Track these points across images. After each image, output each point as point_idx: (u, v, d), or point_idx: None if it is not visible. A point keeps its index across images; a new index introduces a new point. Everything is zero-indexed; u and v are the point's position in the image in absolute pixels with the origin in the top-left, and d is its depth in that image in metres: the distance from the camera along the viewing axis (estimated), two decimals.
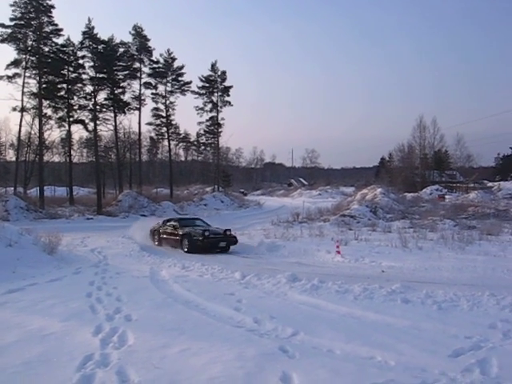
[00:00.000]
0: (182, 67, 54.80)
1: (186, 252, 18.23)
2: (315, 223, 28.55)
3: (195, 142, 71.71)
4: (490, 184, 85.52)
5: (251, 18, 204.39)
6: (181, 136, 65.26)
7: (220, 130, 60.33)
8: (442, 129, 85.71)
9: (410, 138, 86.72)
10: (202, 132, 62.59)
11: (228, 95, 59.58)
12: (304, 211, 34.28)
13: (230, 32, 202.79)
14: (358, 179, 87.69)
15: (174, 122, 57.56)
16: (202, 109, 59.41)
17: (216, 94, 59.29)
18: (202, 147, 67.29)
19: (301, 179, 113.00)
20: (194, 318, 7.55)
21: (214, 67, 59.10)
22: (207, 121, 60.39)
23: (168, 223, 20.89)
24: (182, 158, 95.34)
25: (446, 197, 61.60)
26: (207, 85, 58.95)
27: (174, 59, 54.44)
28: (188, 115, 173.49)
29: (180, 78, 54.98)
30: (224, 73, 59.16)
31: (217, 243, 18.66)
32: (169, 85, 54.74)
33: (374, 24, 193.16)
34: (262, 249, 18.42)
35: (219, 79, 59.10)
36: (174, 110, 56.05)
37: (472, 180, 79.95)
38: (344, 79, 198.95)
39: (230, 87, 59.60)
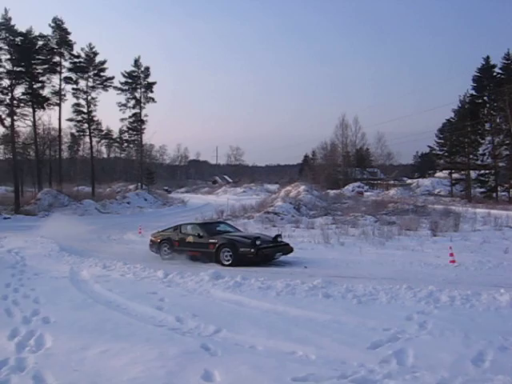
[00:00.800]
0: (104, 62, 53.53)
1: (224, 266, 14.31)
2: (239, 220, 28.70)
3: (118, 139, 70.57)
4: (409, 181, 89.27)
5: (172, 15, 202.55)
6: (103, 133, 64.02)
7: (143, 126, 59.69)
8: (363, 127, 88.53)
9: (332, 137, 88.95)
10: (124, 129, 61.89)
11: (151, 91, 58.99)
12: (228, 208, 34.44)
13: (151, 29, 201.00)
14: (283, 176, 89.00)
15: (95, 119, 56.48)
16: (124, 105, 58.61)
17: (139, 90, 58.61)
18: (125, 144, 66.31)
19: (225, 177, 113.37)
20: (115, 319, 7.43)
21: (137, 63, 58.26)
22: (130, 117, 59.60)
23: (184, 230, 16.63)
24: (105, 155, 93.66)
25: (368, 193, 63.73)
26: (130, 81, 58.06)
27: (95, 54, 53.05)
28: (110, 111, 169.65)
29: (102, 74, 53.71)
30: (147, 69, 58.51)
31: (273, 255, 14.84)
32: (90, 80, 53.36)
33: (301, 22, 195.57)
34: None
35: (142, 75, 58.38)
36: (95, 105, 54.55)
37: (392, 177, 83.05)
38: (268, 78, 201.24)
39: (154, 83, 58.97)
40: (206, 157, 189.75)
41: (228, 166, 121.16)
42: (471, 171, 65.95)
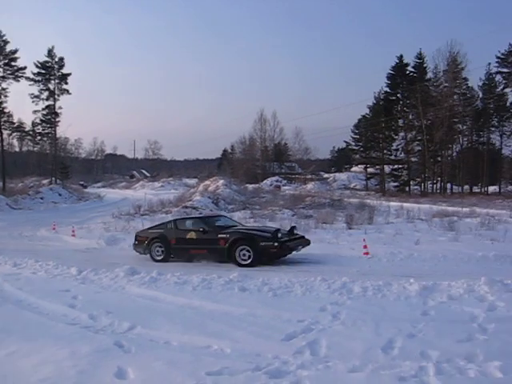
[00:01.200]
0: (15, 51, 51.23)
1: (242, 266, 12.68)
2: (157, 215, 28.40)
3: (31, 132, 67.88)
4: (326, 175, 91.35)
5: (87, 9, 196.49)
6: (15, 125, 61.52)
7: (57, 119, 57.85)
8: (281, 122, 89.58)
9: (251, 131, 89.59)
10: (38, 121, 59.63)
11: (66, 83, 57.22)
12: (146, 203, 33.97)
13: (63, 20, 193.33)
14: (202, 171, 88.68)
15: (6, 110, 54.14)
16: (37, 96, 56.51)
17: (53, 82, 56.51)
18: (39, 137, 63.94)
19: (143, 171, 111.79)
20: (25, 318, 7.18)
21: (50, 53, 56.22)
22: (43, 109, 57.54)
23: (181, 226, 14.81)
24: (17, 149, 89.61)
25: (286, 187, 64.70)
26: (43, 71, 55.90)
27: (6, 42, 50.72)
28: (23, 103, 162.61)
29: (13, 63, 51.39)
30: (62, 59, 56.60)
31: (294, 248, 13.41)
32: (0, 70, 50.95)
33: (218, 16, 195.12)
34: (101, 242, 17.96)
35: (56, 66, 56.36)
36: (6, 96, 52.47)
37: (310, 171, 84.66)
38: (185, 72, 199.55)
39: (69, 75, 57.19)
40: (123, 151, 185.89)
41: (146, 160, 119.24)
42: (385, 166, 68.41)
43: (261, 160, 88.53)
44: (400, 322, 6.36)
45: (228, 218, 16.68)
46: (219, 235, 13.52)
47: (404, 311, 7.04)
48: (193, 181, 72.00)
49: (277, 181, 78.06)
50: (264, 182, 74.70)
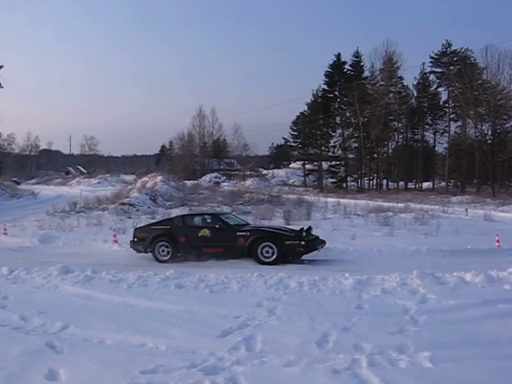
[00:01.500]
0: None
1: (264, 264, 12.25)
2: (93, 212, 27.79)
3: None
4: (264, 172, 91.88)
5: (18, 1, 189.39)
6: None
7: None
8: (220, 118, 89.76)
9: (190, 127, 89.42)
10: None
11: None
12: (82, 200, 33.21)
13: None
14: (140, 167, 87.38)
15: None
16: None
17: None
18: None
19: (79, 167, 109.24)
20: None
21: None
22: None
23: (190, 222, 14.20)
24: None
25: (225, 184, 64.71)
26: None
27: None
28: None
29: None
30: None
31: (316, 248, 12.96)
32: None
33: (148, 10, 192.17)
34: (34, 241, 17.40)
35: None
36: None
37: (248, 168, 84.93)
38: (120, 67, 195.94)
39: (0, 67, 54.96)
40: (58, 146, 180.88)
41: (82, 156, 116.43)
42: (323, 162, 69.48)
43: (199, 156, 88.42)
44: (335, 316, 6.47)
45: (235, 216, 16.04)
46: (238, 233, 13.05)
47: (339, 305, 7.17)
48: (130, 177, 70.82)
49: (215, 177, 78.08)
50: (203, 178, 74.63)
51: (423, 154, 69.87)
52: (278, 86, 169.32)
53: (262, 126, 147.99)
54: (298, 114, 73.81)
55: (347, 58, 70.70)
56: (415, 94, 71.23)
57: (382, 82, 68.43)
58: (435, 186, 70.23)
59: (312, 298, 7.57)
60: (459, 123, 67.84)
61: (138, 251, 13.95)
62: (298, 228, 13.76)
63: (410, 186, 72.25)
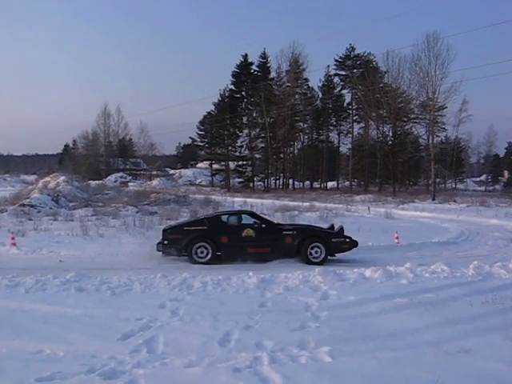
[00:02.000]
0: None
1: (312, 263, 12.09)
2: None
3: None
4: (171, 171, 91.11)
5: None
6: None
7: None
8: (126, 117, 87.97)
9: (94, 125, 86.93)
10: None
11: None
12: None
13: None
14: (41, 167, 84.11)
15: None
16: None
17: None
18: None
19: None
20: None
21: None
22: None
23: (232, 221, 13.42)
24: None
25: (130, 184, 63.56)
26: None
27: None
28: None
29: None
30: None
31: (356, 244, 13.33)
32: None
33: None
34: None
35: None
36: None
37: (155, 168, 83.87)
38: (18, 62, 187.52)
39: None
40: None
41: None
42: (230, 162, 69.76)
43: (104, 155, 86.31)
44: (238, 315, 6.53)
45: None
46: (284, 232, 12.82)
47: (242, 304, 7.23)
48: (32, 177, 68.01)
49: (121, 177, 76.52)
50: (108, 178, 72.88)
51: (328, 154, 71.88)
52: (186, 85, 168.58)
53: (169, 126, 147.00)
54: (205, 113, 73.73)
55: (254, 58, 71.54)
56: (320, 96, 73.22)
57: (288, 84, 69.69)
58: (339, 186, 72.49)
59: (216, 298, 7.60)
60: (362, 124, 70.53)
61: (168, 254, 12.92)
62: (327, 226, 14.46)
63: (316, 185, 74.17)
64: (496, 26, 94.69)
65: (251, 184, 68.16)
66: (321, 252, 12.58)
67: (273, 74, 71.82)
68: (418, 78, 53.67)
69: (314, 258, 12.51)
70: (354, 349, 5.34)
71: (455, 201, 44.21)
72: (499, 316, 6.67)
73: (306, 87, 72.76)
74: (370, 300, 7.47)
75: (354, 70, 69.12)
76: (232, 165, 70.39)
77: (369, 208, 32.18)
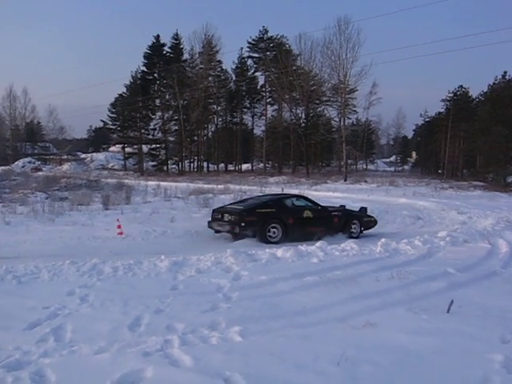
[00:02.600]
0: None
1: (354, 238, 14.03)
2: None
3: None
4: (83, 156, 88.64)
5: None
6: None
7: None
8: (33, 99, 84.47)
9: None
10: None
11: None
12: None
13: None
14: None
15: None
16: None
17: None
18: None
19: None
20: None
21: None
22: None
23: (289, 204, 14.47)
24: None
25: (44, 169, 61.46)
26: None
27: None
28: None
29: None
30: None
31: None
32: None
33: None
34: None
35: None
36: None
37: (65, 152, 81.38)
38: None
39: None
40: None
41: None
42: (143, 145, 68.76)
43: (11, 140, 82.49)
44: (149, 299, 6.46)
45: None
46: (333, 213, 14.87)
47: (154, 288, 7.17)
48: None
49: (30, 162, 73.74)
50: (15, 163, 70.01)
51: (242, 137, 72.31)
52: (97, 67, 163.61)
53: (80, 108, 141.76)
54: (117, 95, 71.97)
55: (167, 40, 70.42)
56: (234, 78, 73.31)
57: (202, 66, 69.24)
58: (254, 168, 73.22)
59: (126, 283, 7.48)
60: (275, 107, 71.34)
61: (244, 236, 13.33)
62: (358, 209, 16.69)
63: (230, 167, 74.52)
64: (404, 11, 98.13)
65: (165, 167, 67.43)
66: (358, 229, 14.87)
67: (186, 56, 71.18)
68: (329, 61, 54.92)
69: (354, 233, 14.68)
70: (265, 327, 5.44)
71: (366, 181, 45.79)
72: (404, 290, 6.98)
73: (219, 69, 72.64)
74: (281, 279, 7.62)
75: (267, 53, 69.58)
76: (145, 148, 69.29)
77: (282, 189, 32.64)
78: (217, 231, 13.90)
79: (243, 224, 13.21)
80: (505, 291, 7.18)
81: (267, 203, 14.34)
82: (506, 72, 48.50)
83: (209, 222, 14.15)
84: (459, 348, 4.91)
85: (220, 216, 13.80)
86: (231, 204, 15.76)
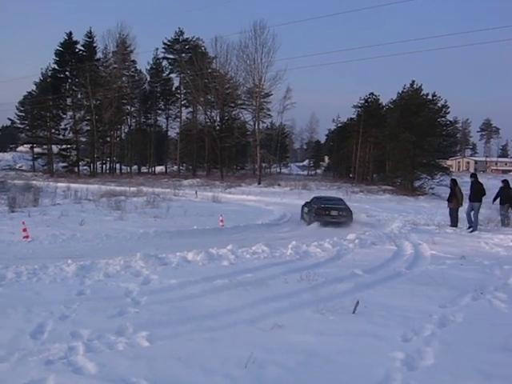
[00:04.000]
0: None
1: None
2: None
3: None
4: None
5: None
6: None
7: None
8: None
9: None
10: None
11: None
12: None
13: None
14: None
15: None
16: None
17: None
18: None
19: None
20: None
21: None
22: None
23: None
24: None
25: None
26: None
27: None
28: None
29: None
30: None
31: None
32: None
33: None
34: None
35: None
36: None
37: None
38: None
39: None
40: None
41: None
42: (53, 146, 66.59)
43: None
44: (53, 305, 6.25)
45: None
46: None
47: (59, 293, 6.93)
48: None
49: None
50: None
51: (156, 139, 71.52)
52: (3, 62, 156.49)
53: None
54: (26, 93, 69.18)
55: (79, 37, 68.47)
56: (148, 79, 72.36)
57: (115, 65, 67.91)
58: (168, 170, 72.54)
59: (30, 289, 7.18)
60: (190, 109, 71.08)
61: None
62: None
63: (144, 170, 73.50)
64: (318, 18, 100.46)
65: (76, 169, 65.44)
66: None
67: (99, 55, 69.52)
68: (245, 64, 55.36)
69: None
70: (173, 332, 5.40)
71: (279, 184, 46.48)
72: (312, 291, 7.13)
73: (133, 70, 71.57)
74: (190, 283, 7.59)
75: (183, 55, 69.24)
76: (55, 148, 66.99)
77: (196, 192, 32.61)
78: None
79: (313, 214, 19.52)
80: (408, 291, 7.47)
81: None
82: (413, 81, 50.53)
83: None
84: (363, 347, 5.08)
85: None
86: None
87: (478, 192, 16.17)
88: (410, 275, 8.82)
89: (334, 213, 19.13)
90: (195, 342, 5.12)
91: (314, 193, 36.09)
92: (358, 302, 6.25)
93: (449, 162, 63.47)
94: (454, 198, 16.88)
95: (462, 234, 15.09)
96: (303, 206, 21.70)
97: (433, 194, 43.06)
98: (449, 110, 48.62)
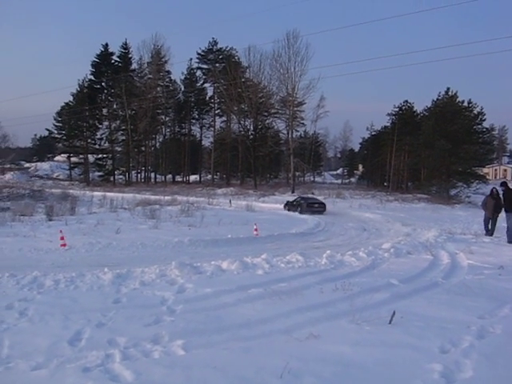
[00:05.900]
0: None
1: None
2: None
3: None
4: (27, 165, 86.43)
5: None
6: None
7: None
8: None
9: None
10: None
11: None
12: None
13: None
14: None
15: None
16: None
17: None
18: None
19: None
20: None
21: None
22: None
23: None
24: None
25: None
26: None
27: None
28: None
29: None
30: None
31: None
32: None
33: None
34: None
35: None
36: None
37: (8, 161, 79.11)
38: None
39: None
40: None
41: None
42: (89, 155, 67.59)
43: None
44: (90, 313, 6.31)
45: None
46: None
47: (96, 301, 7.00)
48: None
49: None
50: None
51: (190, 148, 72.01)
52: (43, 74, 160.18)
53: (24, 116, 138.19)
54: (63, 104, 70.55)
55: (115, 49, 69.64)
56: (183, 89, 73.03)
57: (150, 76, 68.77)
58: (202, 179, 72.93)
59: (68, 296, 7.28)
60: (224, 118, 71.42)
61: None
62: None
63: (178, 179, 74.03)
64: (352, 27, 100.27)
65: (112, 178, 66.36)
66: None
67: (134, 66, 70.57)
68: (278, 74, 55.51)
69: None
70: (208, 340, 5.39)
71: (313, 193, 46.28)
72: (347, 301, 7.03)
73: (168, 80, 72.31)
74: (225, 292, 7.57)
75: (217, 64, 69.72)
76: (91, 158, 68.12)
77: (230, 201, 32.70)
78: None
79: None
80: (445, 302, 7.33)
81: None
82: (448, 88, 50.04)
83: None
84: (400, 359, 4.97)
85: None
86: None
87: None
88: (446, 285, 8.65)
89: (315, 206, 29.64)
90: (230, 351, 5.10)
91: (348, 201, 35.98)
92: (394, 313, 6.16)
93: (485, 170, 62.20)
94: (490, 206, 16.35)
95: (499, 243, 14.76)
96: (288, 202, 32.81)
97: (469, 202, 42.29)
98: (485, 116, 48.02)
